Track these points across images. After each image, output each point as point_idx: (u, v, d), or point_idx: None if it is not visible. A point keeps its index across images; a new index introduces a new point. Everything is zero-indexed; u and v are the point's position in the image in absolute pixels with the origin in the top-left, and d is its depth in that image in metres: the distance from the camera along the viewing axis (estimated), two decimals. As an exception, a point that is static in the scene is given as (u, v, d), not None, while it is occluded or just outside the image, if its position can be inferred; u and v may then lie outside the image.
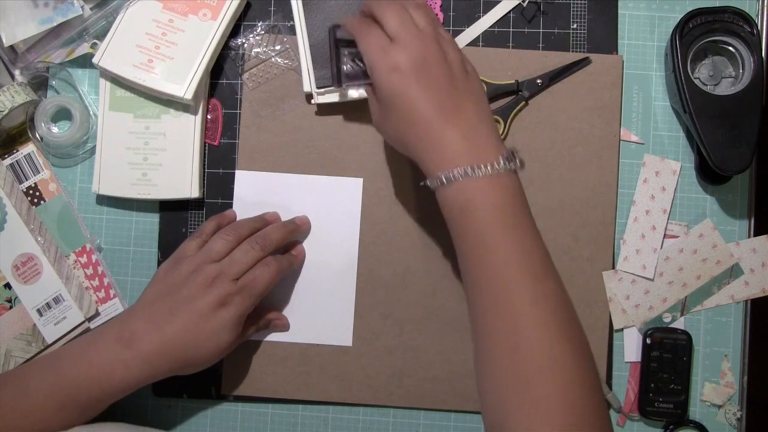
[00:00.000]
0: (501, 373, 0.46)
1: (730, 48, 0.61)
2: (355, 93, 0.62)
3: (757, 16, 0.64)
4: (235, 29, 0.65)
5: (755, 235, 0.63)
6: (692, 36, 0.60)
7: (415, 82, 0.48)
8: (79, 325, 0.64)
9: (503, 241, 0.47)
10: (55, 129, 0.65)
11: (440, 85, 0.48)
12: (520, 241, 0.47)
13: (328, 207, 0.64)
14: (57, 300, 0.64)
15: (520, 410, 0.45)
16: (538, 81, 0.63)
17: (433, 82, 0.48)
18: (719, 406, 0.63)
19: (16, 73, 0.65)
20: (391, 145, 0.53)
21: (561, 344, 0.46)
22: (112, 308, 0.65)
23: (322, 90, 0.62)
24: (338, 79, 0.56)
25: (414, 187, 0.64)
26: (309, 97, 0.64)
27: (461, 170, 0.47)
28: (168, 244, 0.65)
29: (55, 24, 0.62)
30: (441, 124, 0.48)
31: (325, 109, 0.64)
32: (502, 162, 0.47)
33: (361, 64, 0.54)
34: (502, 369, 0.46)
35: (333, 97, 0.63)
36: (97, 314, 0.65)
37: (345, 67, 0.55)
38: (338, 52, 0.56)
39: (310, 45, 0.62)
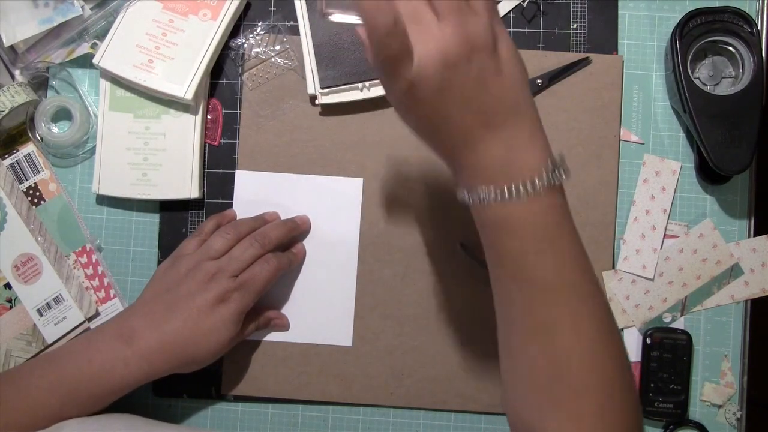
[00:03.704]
0: (536, 388, 0.44)
1: (730, 48, 0.61)
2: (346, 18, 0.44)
3: (757, 16, 0.64)
4: (235, 29, 0.65)
5: (755, 235, 0.63)
6: (692, 36, 0.60)
7: (449, 96, 0.39)
8: (79, 325, 0.64)
9: (541, 265, 0.42)
10: (55, 129, 0.65)
11: (473, 94, 0.39)
12: (560, 263, 0.42)
13: (328, 207, 0.64)
14: (57, 300, 0.64)
15: (559, 424, 0.43)
16: (538, 81, 0.63)
17: (467, 90, 0.39)
18: (719, 406, 0.63)
19: (16, 73, 0.65)
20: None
21: (603, 363, 0.43)
22: (112, 308, 0.65)
23: (327, 90, 0.62)
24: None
25: (414, 187, 0.64)
26: (313, 98, 0.64)
27: (497, 191, 0.40)
28: (168, 244, 0.65)
29: (55, 24, 0.62)
30: (473, 139, 0.41)
31: (328, 110, 0.64)
32: (545, 176, 0.40)
33: None
34: (537, 385, 0.44)
35: (338, 98, 0.62)
36: (97, 314, 0.65)
37: None
38: None
39: (314, 45, 0.62)
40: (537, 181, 0.40)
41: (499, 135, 0.40)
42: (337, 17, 0.44)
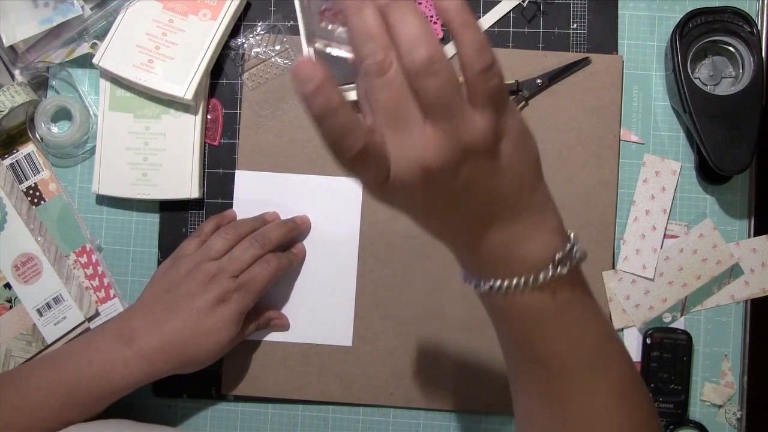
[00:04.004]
0: None
1: (730, 48, 0.60)
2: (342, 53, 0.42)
3: (757, 16, 0.63)
4: (235, 29, 0.65)
5: (755, 235, 0.63)
6: (692, 36, 0.60)
7: (430, 202, 0.35)
8: (79, 325, 0.64)
9: (550, 346, 0.39)
10: (55, 129, 0.65)
11: (462, 200, 0.35)
12: (572, 341, 0.39)
13: (328, 207, 0.64)
14: (57, 300, 0.64)
15: None
16: (538, 81, 0.63)
17: (454, 197, 0.34)
18: (719, 406, 0.63)
19: (16, 73, 0.65)
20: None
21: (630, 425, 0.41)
22: (112, 308, 0.65)
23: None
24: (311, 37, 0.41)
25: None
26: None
27: (496, 282, 0.37)
28: (168, 244, 0.65)
29: (55, 24, 0.62)
30: (464, 237, 0.37)
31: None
32: (550, 269, 0.37)
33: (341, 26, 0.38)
34: None
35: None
36: (97, 314, 0.65)
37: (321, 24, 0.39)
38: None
39: (311, 45, 0.62)
40: (541, 275, 0.36)
41: (498, 231, 0.36)
42: (323, 47, 0.40)
